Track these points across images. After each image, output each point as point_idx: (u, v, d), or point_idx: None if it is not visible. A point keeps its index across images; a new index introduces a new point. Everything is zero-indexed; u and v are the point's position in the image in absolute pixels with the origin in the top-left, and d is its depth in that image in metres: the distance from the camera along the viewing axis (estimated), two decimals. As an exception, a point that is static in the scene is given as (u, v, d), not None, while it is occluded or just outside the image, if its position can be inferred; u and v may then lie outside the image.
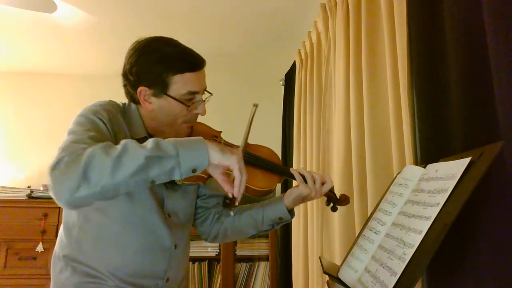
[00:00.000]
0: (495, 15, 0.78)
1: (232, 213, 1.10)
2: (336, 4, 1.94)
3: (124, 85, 1.12)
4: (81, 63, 3.26)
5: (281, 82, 3.27)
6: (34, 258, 2.70)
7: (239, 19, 2.53)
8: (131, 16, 2.48)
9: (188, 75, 1.06)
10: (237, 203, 0.97)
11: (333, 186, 1.20)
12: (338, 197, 1.22)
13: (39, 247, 2.69)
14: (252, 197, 1.16)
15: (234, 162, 0.91)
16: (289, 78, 3.11)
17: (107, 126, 1.02)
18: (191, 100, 1.08)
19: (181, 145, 0.88)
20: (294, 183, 1.20)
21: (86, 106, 1.07)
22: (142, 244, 1.07)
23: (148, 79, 1.06)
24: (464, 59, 0.94)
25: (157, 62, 1.05)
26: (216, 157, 0.90)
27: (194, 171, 0.90)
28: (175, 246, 1.13)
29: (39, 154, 3.27)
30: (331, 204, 1.23)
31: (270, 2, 2.31)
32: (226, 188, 0.94)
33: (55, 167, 0.85)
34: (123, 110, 1.13)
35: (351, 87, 1.66)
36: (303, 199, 1.16)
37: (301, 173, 1.15)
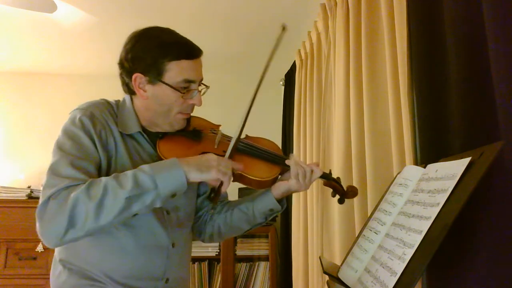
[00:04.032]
0: (495, 15, 0.78)
1: (214, 207, 1.24)
2: (336, 4, 1.94)
3: (120, 74, 1.10)
4: (81, 63, 3.25)
5: (281, 82, 3.27)
6: (34, 258, 2.70)
7: (239, 20, 2.53)
8: (131, 16, 2.48)
9: (184, 63, 1.04)
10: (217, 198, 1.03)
11: (339, 178, 1.19)
12: (345, 189, 1.17)
13: (39, 247, 2.69)
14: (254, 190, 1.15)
15: (213, 175, 0.96)
16: (289, 78, 3.11)
17: (93, 134, 1.02)
18: (186, 88, 1.06)
19: (158, 174, 0.92)
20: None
21: (72, 112, 1.06)
22: (137, 244, 1.05)
23: (143, 65, 1.04)
24: (464, 59, 0.94)
25: (153, 48, 1.04)
26: (195, 176, 0.96)
27: (173, 196, 0.95)
28: (173, 244, 1.11)
29: (39, 154, 3.27)
30: (337, 196, 1.17)
31: (270, 2, 2.31)
32: (213, 184, 1.00)
33: (42, 213, 0.91)
34: (116, 107, 1.12)
35: (351, 87, 1.66)
36: (292, 192, 1.16)
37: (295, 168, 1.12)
